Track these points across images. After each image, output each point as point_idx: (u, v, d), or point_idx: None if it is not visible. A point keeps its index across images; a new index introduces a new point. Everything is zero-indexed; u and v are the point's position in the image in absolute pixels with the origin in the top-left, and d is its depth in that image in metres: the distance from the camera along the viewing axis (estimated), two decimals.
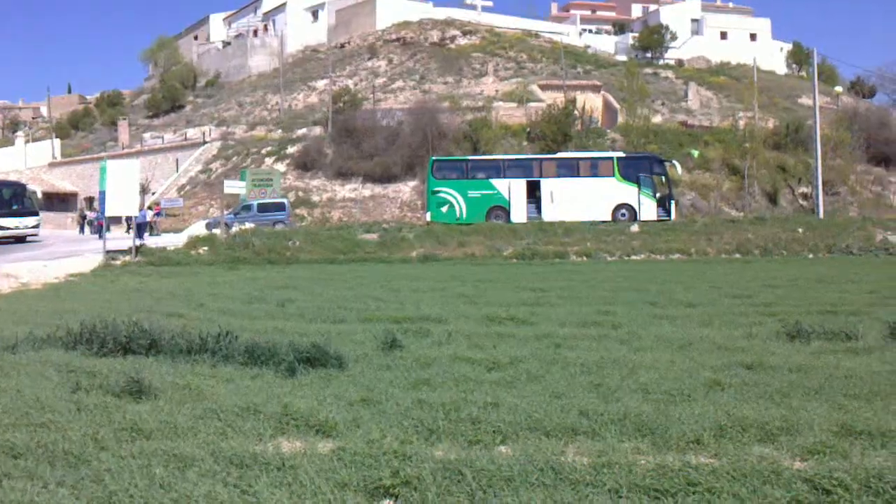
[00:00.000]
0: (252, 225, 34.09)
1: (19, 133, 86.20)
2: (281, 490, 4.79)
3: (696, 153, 46.70)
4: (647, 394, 7.39)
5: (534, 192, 35.23)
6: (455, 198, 35.12)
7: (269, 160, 51.44)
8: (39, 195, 54.79)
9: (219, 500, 4.57)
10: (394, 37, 72.71)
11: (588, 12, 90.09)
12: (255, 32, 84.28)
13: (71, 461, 5.42)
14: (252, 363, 8.89)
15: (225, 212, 37.00)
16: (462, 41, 70.85)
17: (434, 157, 37.95)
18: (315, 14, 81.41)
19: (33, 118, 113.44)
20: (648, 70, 63.94)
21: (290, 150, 51.93)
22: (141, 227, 34.75)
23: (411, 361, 9.00)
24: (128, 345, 9.58)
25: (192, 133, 62.06)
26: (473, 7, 77.43)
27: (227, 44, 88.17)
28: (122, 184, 26.77)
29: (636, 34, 76.35)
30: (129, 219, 31.81)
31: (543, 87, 56.35)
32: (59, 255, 28.08)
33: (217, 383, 7.94)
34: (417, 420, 6.38)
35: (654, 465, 5.20)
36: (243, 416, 6.60)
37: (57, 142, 76.45)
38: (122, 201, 26.99)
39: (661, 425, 6.17)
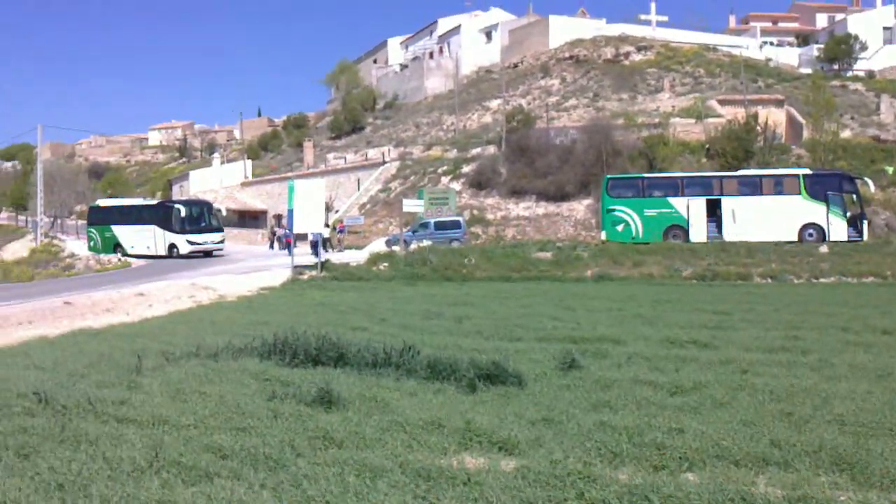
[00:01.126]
0: (429, 242, 34.89)
1: (216, 154, 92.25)
2: None
3: (890, 169, 43.66)
4: (844, 425, 6.98)
5: (714, 211, 34.04)
6: (631, 216, 34.51)
7: (444, 179, 52.49)
8: (224, 212, 58.55)
9: None
10: (567, 55, 72.49)
11: (769, 24, 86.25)
12: (431, 55, 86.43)
13: (271, 465, 5.76)
14: (434, 378, 9.10)
15: (404, 229, 38.04)
16: (636, 57, 69.70)
17: (609, 175, 37.51)
18: (489, 35, 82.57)
19: (227, 141, 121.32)
20: (836, 82, 60.40)
21: (465, 168, 52.78)
22: (315, 245, 36.52)
23: (591, 382, 8.93)
24: (317, 357, 10.06)
25: (373, 153, 64.31)
26: (648, 23, 76.03)
27: (404, 66, 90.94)
28: (308, 202, 28.19)
29: (821, 45, 72.43)
30: (306, 236, 33.41)
31: (722, 102, 54.44)
32: (251, 270, 29.84)
33: (401, 396, 8.19)
34: (600, 442, 6.33)
35: (857, 502, 4.92)
36: (428, 430, 6.78)
37: (248, 162, 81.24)
38: (309, 219, 28.41)
39: (860, 460, 5.82)
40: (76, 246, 51.90)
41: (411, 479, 5.38)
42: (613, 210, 34.89)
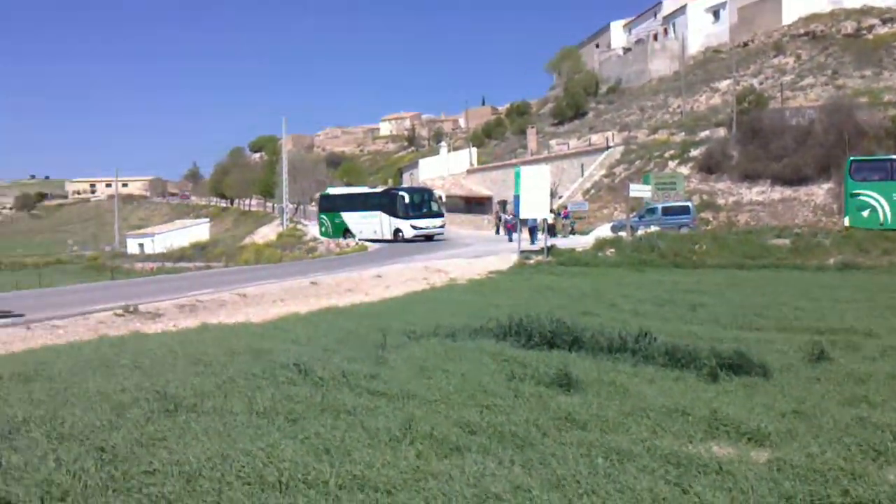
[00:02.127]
0: (657, 228, 34.13)
1: (442, 143, 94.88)
2: (722, 494, 4.79)
3: None
4: None
5: None
6: (878, 201, 31.92)
7: (671, 163, 51.04)
8: (444, 198, 60.20)
9: (661, 496, 4.69)
10: (802, 31, 67.89)
11: None
12: (655, 37, 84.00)
13: (518, 443, 5.91)
14: (672, 365, 8.94)
15: (630, 215, 37.44)
16: (881, 30, 64.04)
17: (852, 158, 34.85)
18: (716, 14, 79.00)
19: (453, 129, 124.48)
20: None
21: (694, 152, 51.02)
22: (533, 231, 36.77)
23: (843, 376, 8.42)
24: (552, 340, 10.15)
25: (596, 139, 63.62)
26: None
27: (627, 50, 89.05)
28: (534, 188, 28.39)
29: None
30: (526, 221, 33.70)
31: None
32: (479, 254, 30.52)
33: (640, 382, 8.11)
34: (861, 439, 5.96)
35: None
36: (671, 417, 6.68)
37: (473, 150, 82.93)
38: (535, 204, 28.62)
39: None
40: (316, 231, 55.39)
41: (660, 464, 5.34)
42: (858, 195, 32.42)
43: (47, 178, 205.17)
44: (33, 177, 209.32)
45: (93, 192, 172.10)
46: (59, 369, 8.89)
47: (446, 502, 4.39)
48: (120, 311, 16.05)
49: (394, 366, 8.88)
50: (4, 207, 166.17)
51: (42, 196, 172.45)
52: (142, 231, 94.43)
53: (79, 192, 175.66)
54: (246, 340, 11.36)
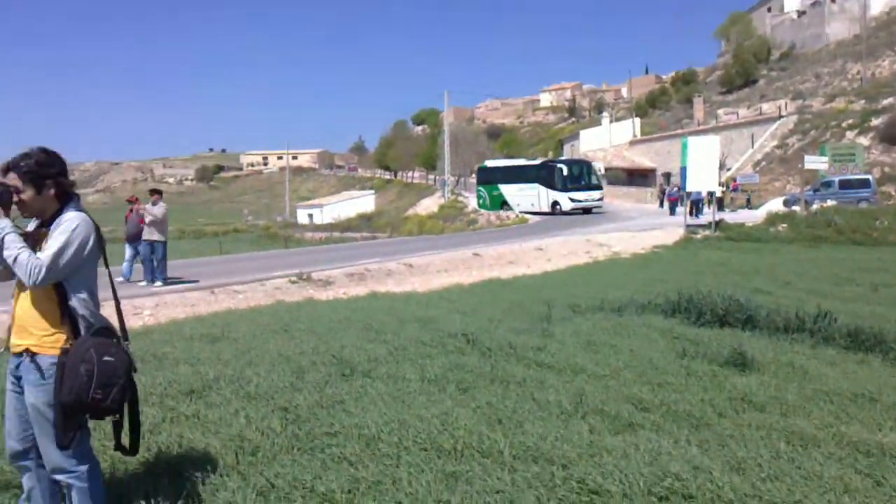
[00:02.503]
0: (833, 202, 32.31)
1: (604, 114, 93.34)
2: None
3: None
4: None
5: None
6: None
7: (850, 134, 48.13)
8: (602, 171, 59.11)
9: (852, 486, 4.46)
10: None
11: None
12: None
13: (692, 422, 5.76)
14: (855, 348, 8.46)
15: (804, 188, 35.61)
16: None
17: None
18: None
19: (615, 99, 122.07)
20: None
21: (874, 122, 47.86)
22: (696, 204, 35.47)
23: None
24: (724, 317, 9.82)
25: (767, 107, 60.79)
26: None
27: (801, 13, 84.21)
28: (702, 160, 27.44)
29: None
30: (690, 194, 32.55)
31: None
32: (643, 228, 29.89)
33: (820, 364, 7.72)
34: None
35: None
36: (857, 403, 6.32)
37: (636, 120, 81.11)
38: (703, 177, 27.68)
39: None
40: (475, 203, 55.87)
41: (848, 452, 5.07)
42: None
43: (224, 151, 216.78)
44: (211, 150, 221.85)
45: (265, 164, 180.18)
46: (243, 332, 9.40)
47: (623, 479, 4.34)
48: (294, 279, 16.79)
49: (560, 339, 8.84)
50: (186, 179, 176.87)
51: (219, 168, 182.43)
52: (311, 202, 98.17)
53: (252, 165, 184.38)
54: (413, 309, 11.62)
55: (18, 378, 3.67)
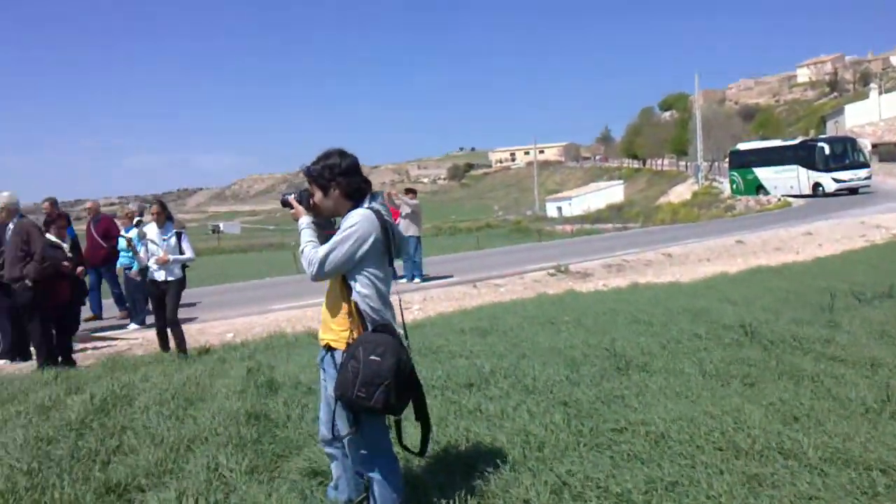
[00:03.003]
0: None
1: (871, 85, 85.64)
2: None
3: None
4: None
5: None
6: None
7: None
8: (869, 147, 53.98)
9: None
10: None
11: None
12: None
13: None
14: None
15: None
16: None
17: None
18: None
19: (883, 69, 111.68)
20: None
21: None
22: None
23: None
24: None
25: None
26: None
27: None
28: None
29: None
30: None
31: None
32: None
33: None
34: None
35: None
36: None
37: None
38: None
39: None
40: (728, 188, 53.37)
41: None
42: None
43: (473, 149, 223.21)
44: (461, 149, 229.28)
45: (512, 160, 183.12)
46: (510, 324, 9.48)
47: None
48: (552, 271, 16.80)
49: (848, 330, 8.12)
50: (439, 178, 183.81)
51: (469, 166, 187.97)
52: (558, 195, 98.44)
53: (500, 161, 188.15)
54: (680, 300, 11.19)
55: (324, 369, 3.86)
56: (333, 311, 3.77)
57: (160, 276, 9.16)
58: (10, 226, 9.14)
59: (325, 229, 3.83)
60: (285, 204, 3.93)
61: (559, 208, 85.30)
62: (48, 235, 9.01)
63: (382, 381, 3.47)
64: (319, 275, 3.63)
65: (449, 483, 4.16)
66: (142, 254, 9.23)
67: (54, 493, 4.35)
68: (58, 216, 9.32)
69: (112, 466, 4.91)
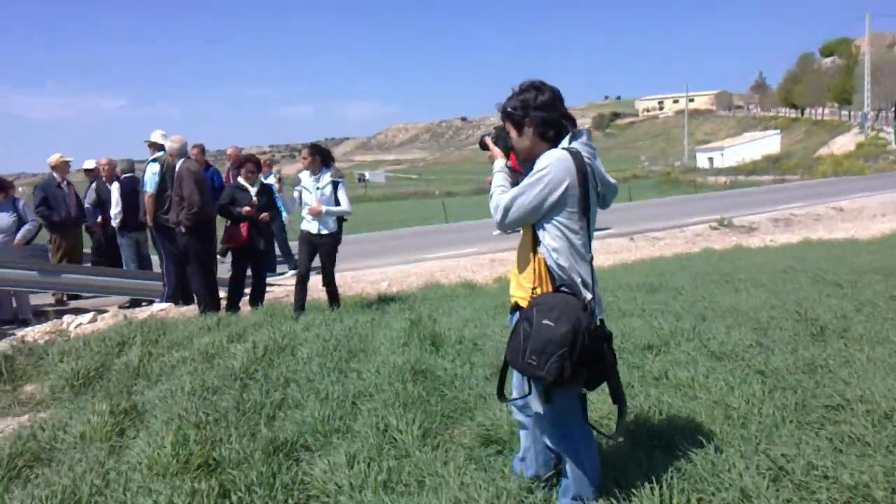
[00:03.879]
0: None
1: None
2: None
3: None
4: None
5: None
6: None
7: None
8: None
9: None
10: None
11: None
12: None
13: None
14: None
15: None
16: None
17: None
18: None
19: None
20: None
21: None
22: None
23: None
24: None
25: None
26: None
27: None
28: None
29: None
30: None
31: None
32: None
33: None
34: None
35: None
36: None
37: None
38: None
39: None
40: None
41: None
42: None
43: (619, 98, 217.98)
44: (607, 97, 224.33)
45: (660, 108, 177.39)
46: (680, 281, 8.84)
47: None
48: (714, 224, 15.87)
49: None
50: (583, 128, 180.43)
51: (615, 115, 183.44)
52: (709, 145, 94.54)
53: (647, 110, 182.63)
54: (863, 258, 10.24)
55: None
56: (522, 265, 3.34)
57: (313, 227, 8.35)
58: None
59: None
60: (483, 145, 3.54)
61: (710, 159, 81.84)
62: (239, 179, 8.97)
63: (556, 350, 2.99)
64: (503, 223, 3.20)
65: (649, 462, 3.69)
66: (288, 201, 8.84)
67: (222, 449, 4.17)
68: (246, 160, 9.17)
69: (278, 423, 4.72)
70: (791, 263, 9.97)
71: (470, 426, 4.48)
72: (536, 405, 3.25)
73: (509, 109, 3.28)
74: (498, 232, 16.98)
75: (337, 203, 8.36)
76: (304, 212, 8.42)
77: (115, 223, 10.92)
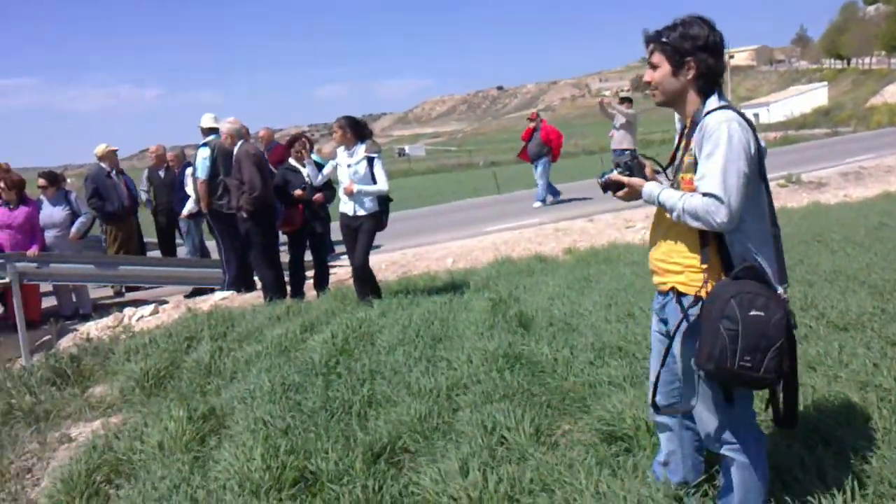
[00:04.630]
0: None
1: None
2: None
3: None
4: None
5: None
6: None
7: None
8: None
9: None
10: None
11: None
12: None
13: None
14: None
15: None
16: None
17: None
18: None
19: None
20: None
21: None
22: None
23: None
24: None
25: None
26: None
27: None
28: None
29: None
30: None
31: None
32: None
33: None
34: None
35: None
36: None
37: None
38: None
39: None
40: None
41: None
42: None
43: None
44: (643, 59, 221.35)
45: None
46: None
47: None
48: (782, 182, 15.17)
49: None
50: (621, 90, 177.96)
51: None
52: (754, 101, 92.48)
53: None
54: None
55: (664, 321, 2.96)
56: (678, 240, 2.80)
57: (348, 209, 7.46)
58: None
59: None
60: (608, 185, 2.97)
61: (756, 115, 79.76)
62: (290, 160, 8.59)
63: (772, 344, 2.50)
64: (732, 216, 2.56)
65: (813, 460, 3.20)
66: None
67: (318, 459, 3.75)
68: (296, 139, 8.76)
69: (371, 423, 4.31)
70: (882, 220, 9.34)
71: (586, 420, 4.03)
72: (699, 405, 2.79)
73: (671, 42, 2.76)
74: (538, 204, 16.43)
75: (373, 181, 7.44)
76: (340, 192, 7.63)
77: (192, 209, 10.41)
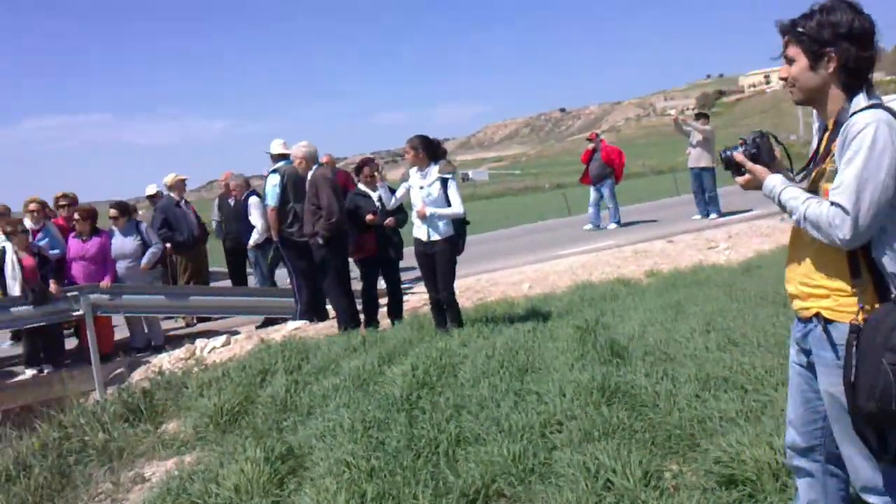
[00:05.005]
0: None
1: None
2: None
3: None
4: None
5: None
6: None
7: None
8: None
9: None
10: None
11: None
12: None
13: None
14: None
15: None
16: None
17: None
18: None
19: None
20: None
21: None
22: None
23: None
24: None
25: None
26: None
27: None
28: None
29: None
30: None
31: None
32: None
33: None
34: None
35: None
36: None
37: None
38: None
39: None
40: None
41: None
42: None
43: (721, 75, 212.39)
44: (708, 76, 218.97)
45: (767, 82, 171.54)
46: None
47: None
48: None
49: None
50: (687, 109, 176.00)
51: (720, 94, 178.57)
52: None
53: (753, 85, 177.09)
54: None
55: (807, 352, 2.58)
56: (821, 261, 2.44)
57: (422, 233, 7.10)
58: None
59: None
60: (729, 164, 2.64)
61: None
62: (359, 185, 8.40)
63: None
64: (856, 234, 2.24)
65: None
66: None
67: None
68: (365, 163, 8.56)
69: (460, 464, 3.98)
70: None
71: (699, 461, 3.65)
72: (850, 449, 2.41)
73: (809, 31, 2.40)
74: (589, 227, 15.95)
75: (447, 203, 7.07)
76: (413, 215, 7.26)
77: (258, 240, 10.27)
